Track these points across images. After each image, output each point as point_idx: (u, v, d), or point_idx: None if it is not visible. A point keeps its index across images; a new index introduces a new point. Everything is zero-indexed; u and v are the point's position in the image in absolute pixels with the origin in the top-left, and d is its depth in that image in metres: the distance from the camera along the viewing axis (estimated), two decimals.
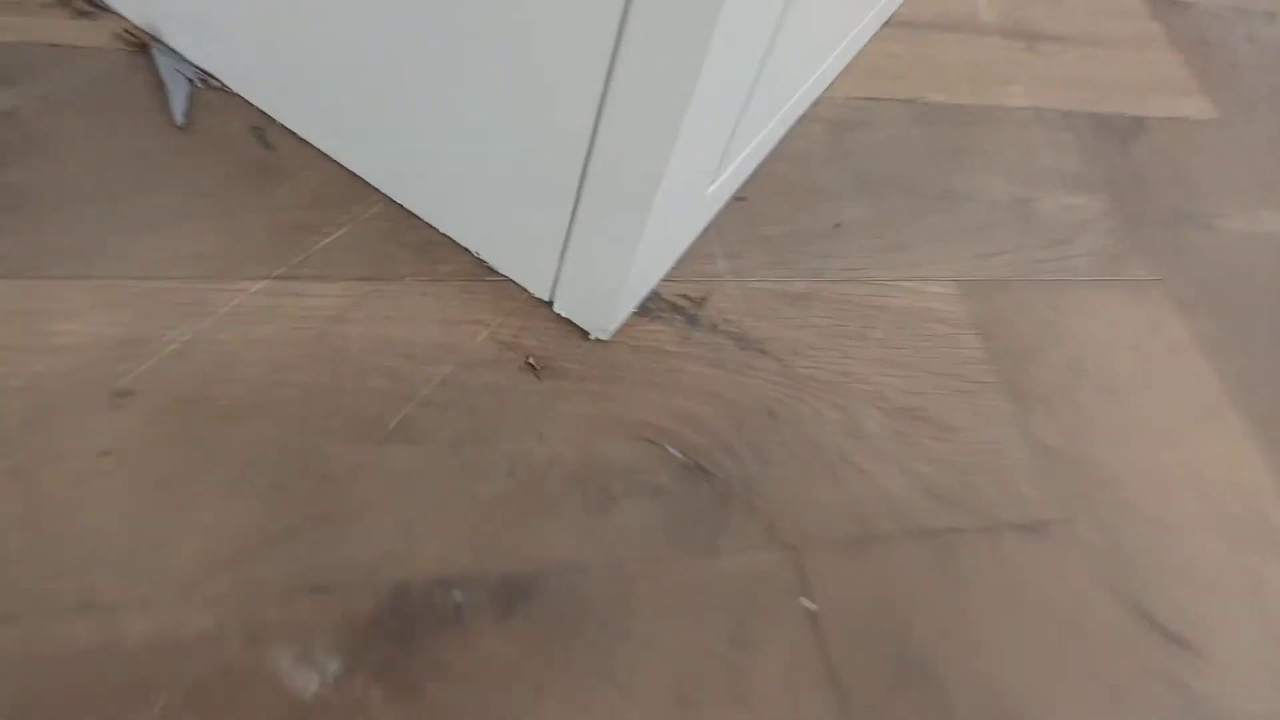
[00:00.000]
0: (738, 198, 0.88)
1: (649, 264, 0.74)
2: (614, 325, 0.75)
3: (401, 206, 0.77)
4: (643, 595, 0.65)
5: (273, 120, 0.79)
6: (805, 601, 0.68)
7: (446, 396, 0.69)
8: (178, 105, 0.78)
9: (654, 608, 0.64)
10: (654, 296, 0.79)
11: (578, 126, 0.59)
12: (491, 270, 0.77)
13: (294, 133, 0.79)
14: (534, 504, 0.66)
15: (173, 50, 0.80)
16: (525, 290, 0.76)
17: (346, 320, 0.71)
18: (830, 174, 0.94)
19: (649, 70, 0.53)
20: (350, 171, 0.78)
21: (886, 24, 1.08)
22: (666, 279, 0.80)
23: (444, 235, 0.77)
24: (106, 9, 0.82)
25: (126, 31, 0.81)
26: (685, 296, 0.80)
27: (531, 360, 0.73)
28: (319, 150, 0.79)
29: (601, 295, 0.72)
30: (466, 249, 0.77)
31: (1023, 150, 1.03)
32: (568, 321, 0.75)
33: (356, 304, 0.72)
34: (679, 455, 0.72)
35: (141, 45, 0.80)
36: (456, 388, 0.70)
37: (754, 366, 0.78)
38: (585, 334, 0.75)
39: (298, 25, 0.69)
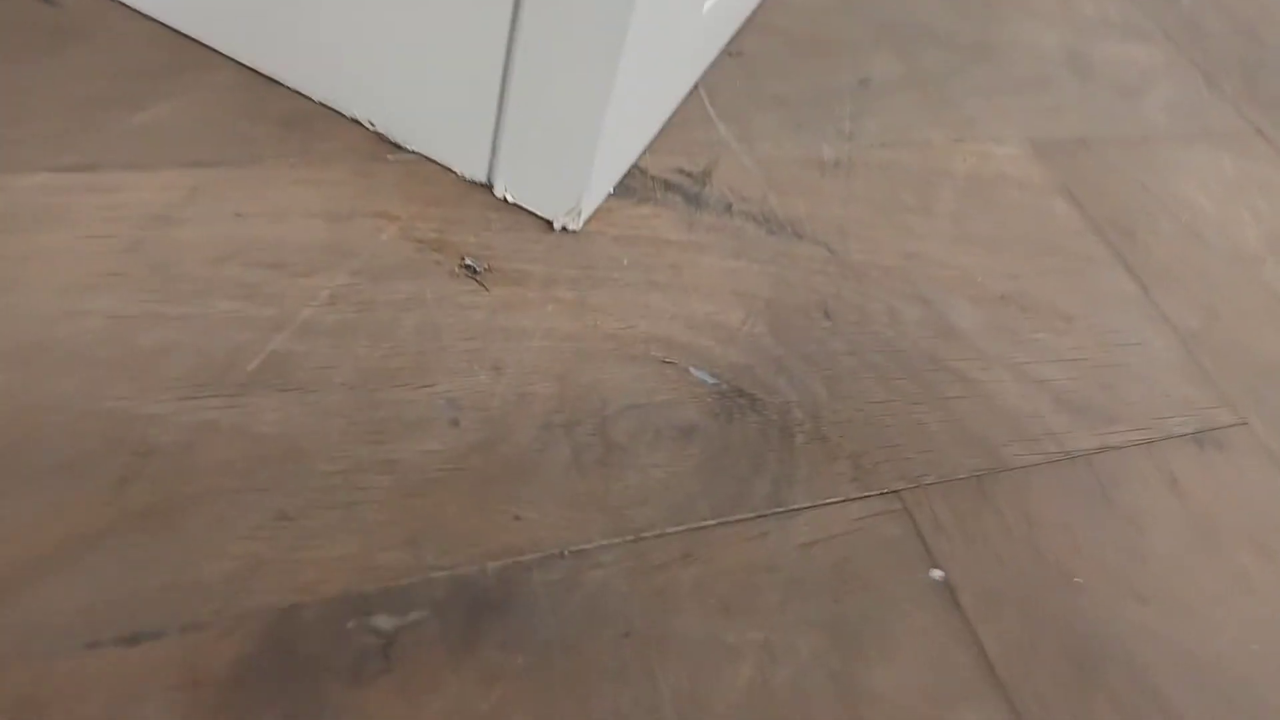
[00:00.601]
0: (730, 52, 0.65)
1: (625, 126, 0.50)
2: (586, 208, 0.51)
3: (256, 72, 0.53)
4: (680, 590, 0.40)
5: None
6: (933, 572, 0.44)
7: (339, 319, 0.45)
8: None
9: (700, 607, 0.40)
10: (636, 173, 0.56)
11: None
12: (396, 147, 0.52)
13: None
14: (496, 468, 0.42)
15: None
16: (449, 171, 0.52)
17: (175, 220, 0.46)
18: (843, 25, 0.71)
19: None
20: (179, 32, 0.54)
21: None
22: (651, 150, 0.57)
23: (321, 105, 0.53)
24: None
25: None
26: (681, 171, 0.57)
27: (469, 262, 0.48)
28: (131, 7, 0.54)
29: (564, 167, 0.49)
30: (356, 120, 0.53)
31: None
32: (517, 209, 0.51)
33: (191, 198, 0.47)
34: (709, 379, 0.48)
35: None
36: (354, 305, 0.45)
37: (791, 254, 0.54)
38: (547, 224, 0.51)
39: None
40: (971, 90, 0.70)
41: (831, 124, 0.63)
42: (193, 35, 0.54)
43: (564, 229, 0.51)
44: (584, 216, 0.51)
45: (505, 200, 0.51)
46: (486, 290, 0.48)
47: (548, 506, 0.41)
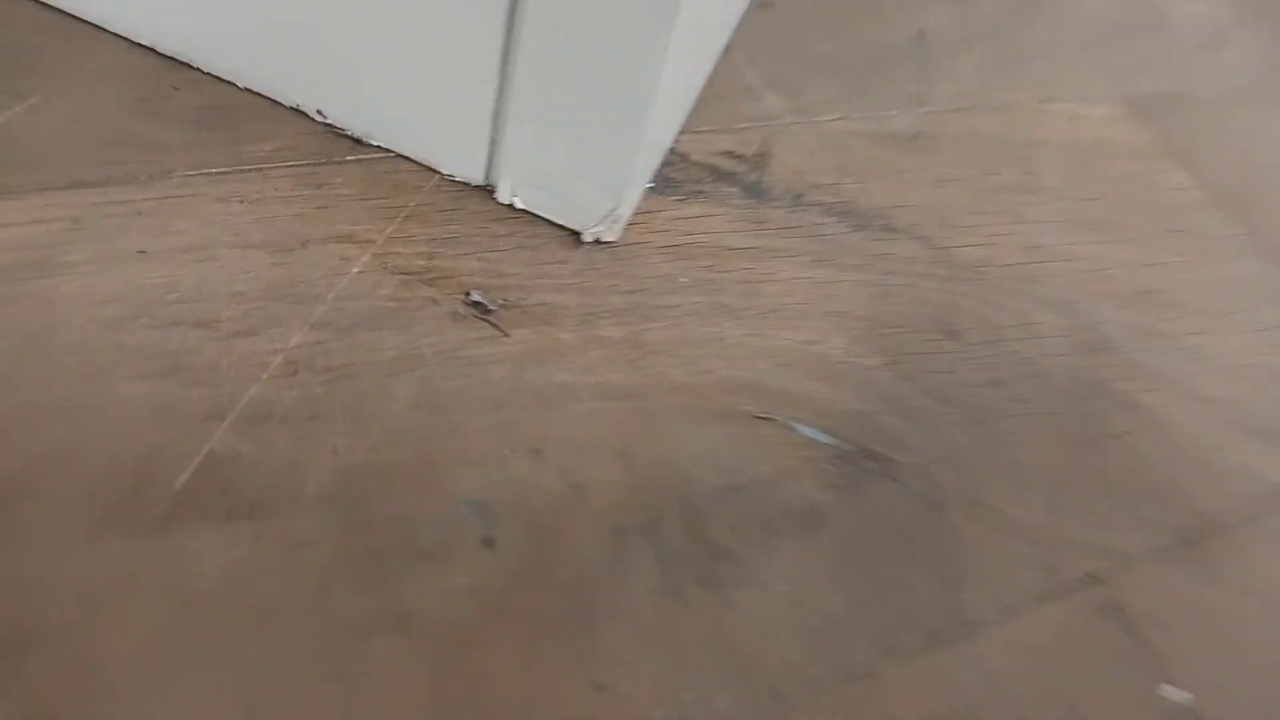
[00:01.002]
0: (762, 3, 0.53)
1: (665, 97, 0.37)
2: (622, 211, 0.38)
3: (157, 53, 0.39)
4: None
5: None
6: (1167, 690, 0.32)
7: (303, 397, 0.31)
8: None
9: None
10: (676, 159, 0.42)
11: None
12: (356, 143, 0.39)
13: None
14: (554, 606, 0.29)
15: None
16: (432, 171, 0.39)
17: (52, 267, 0.32)
18: None
19: None
20: (50, 6, 0.40)
21: None
22: (689, 129, 0.44)
23: (249, 92, 0.39)
24: None
25: None
26: (731, 154, 0.44)
27: (476, 297, 0.35)
28: None
29: (596, 155, 0.35)
30: (300, 110, 0.39)
31: None
32: (531, 219, 0.38)
33: (73, 233, 0.33)
34: (821, 437, 0.35)
35: None
36: (322, 374, 0.32)
37: (887, 255, 0.42)
38: (573, 236, 0.38)
39: None
40: (1043, 44, 0.58)
41: (897, 87, 0.50)
42: (69, 9, 0.40)
43: (597, 241, 0.38)
44: (621, 223, 0.38)
45: (513, 207, 0.38)
46: (505, 335, 0.34)
47: (639, 661, 0.28)
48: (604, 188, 0.36)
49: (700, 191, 0.41)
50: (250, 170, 0.36)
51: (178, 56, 0.39)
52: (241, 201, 0.35)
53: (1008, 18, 0.59)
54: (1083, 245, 0.46)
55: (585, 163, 0.36)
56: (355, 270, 0.34)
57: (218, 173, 0.36)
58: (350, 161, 0.38)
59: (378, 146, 0.38)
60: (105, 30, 0.39)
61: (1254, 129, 0.58)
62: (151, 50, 0.39)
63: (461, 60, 0.35)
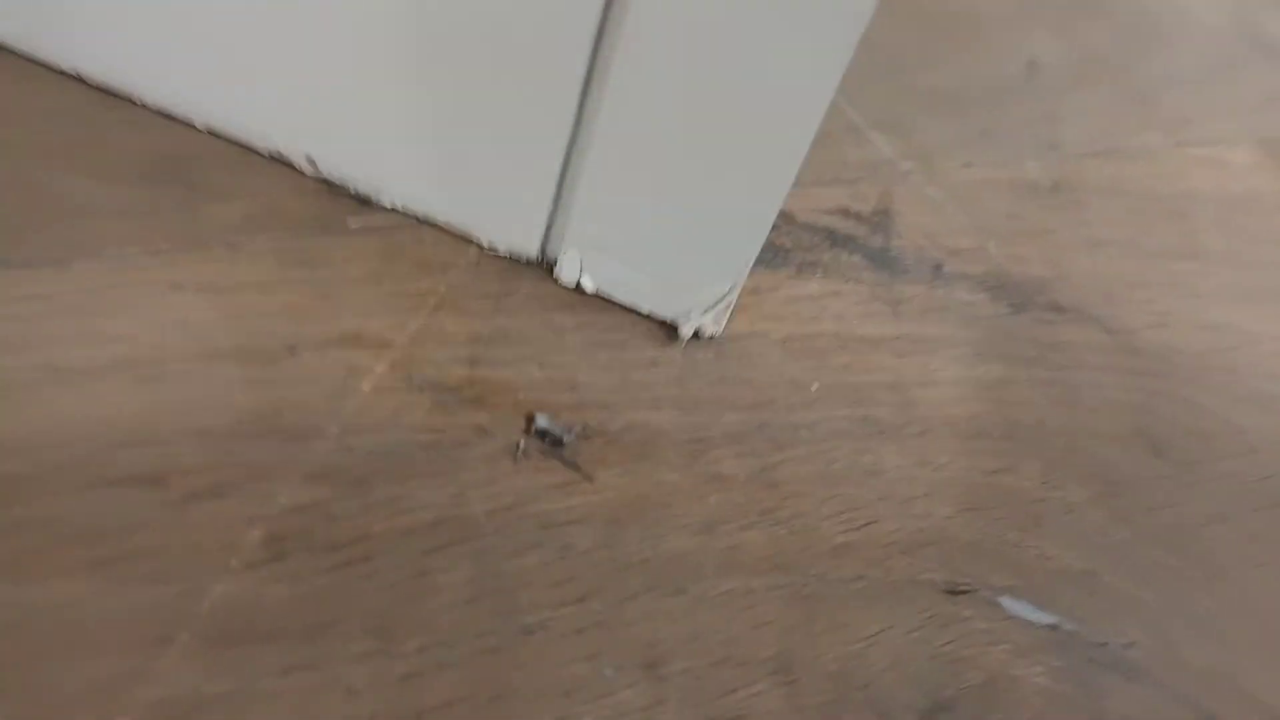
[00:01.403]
0: None
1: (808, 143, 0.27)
2: (734, 295, 0.28)
3: (93, 86, 0.28)
4: None
5: None
6: None
7: (296, 596, 0.20)
8: None
9: None
10: (781, 221, 0.32)
11: None
12: (363, 202, 0.28)
13: None
14: None
15: None
16: (470, 243, 0.28)
17: None
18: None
19: None
20: None
21: None
22: (796, 182, 0.34)
23: (216, 135, 0.28)
24: None
25: None
26: (846, 212, 0.34)
27: (544, 424, 0.25)
28: None
29: (696, 223, 0.25)
30: (281, 158, 0.29)
31: None
32: (605, 305, 0.28)
33: None
34: (1038, 615, 0.25)
35: None
36: (325, 562, 0.21)
37: (1059, 342, 0.31)
38: (664, 328, 0.28)
39: None
40: (1162, 76, 0.49)
41: (1021, 127, 0.41)
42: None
43: (696, 335, 0.28)
44: (726, 309, 0.28)
45: (581, 290, 0.28)
46: (587, 479, 0.24)
47: None
48: (712, 262, 0.26)
49: (816, 263, 0.31)
50: (215, 244, 0.26)
51: (117, 89, 0.29)
52: (202, 289, 0.25)
53: (1119, 46, 0.50)
54: (1271, 323, 0.36)
55: (687, 228, 0.26)
56: (368, 387, 0.24)
57: (169, 249, 0.25)
58: (354, 231, 0.27)
59: (391, 208, 0.28)
60: (19, 56, 0.29)
61: None
62: (82, 82, 0.28)
63: (519, 83, 0.25)
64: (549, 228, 0.27)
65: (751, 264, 0.27)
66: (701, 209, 0.26)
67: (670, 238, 0.26)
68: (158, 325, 0.24)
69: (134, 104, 0.28)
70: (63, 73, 0.29)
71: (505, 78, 0.25)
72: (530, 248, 0.28)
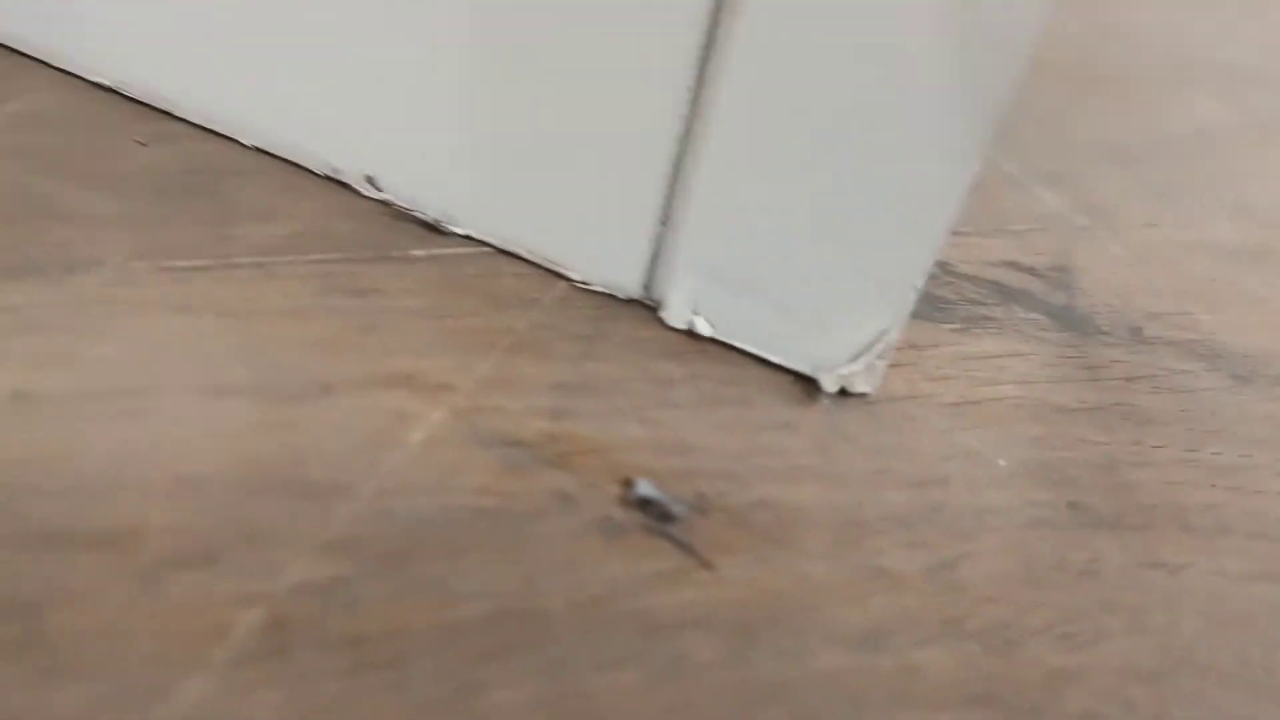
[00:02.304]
0: None
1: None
2: (891, 342, 0.22)
3: (126, 96, 0.24)
4: None
5: None
6: None
7: (301, 712, 0.15)
8: None
9: None
10: (938, 271, 0.27)
11: None
12: (430, 228, 0.24)
13: None
14: None
15: None
16: (557, 276, 0.23)
17: None
18: (1119, 56, 0.44)
19: None
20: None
21: None
22: (955, 232, 0.28)
23: (263, 153, 0.24)
24: None
25: None
26: (1018, 266, 0.27)
27: (645, 491, 0.19)
28: None
29: (842, 254, 0.20)
30: (336, 177, 0.24)
31: None
32: (725, 353, 0.22)
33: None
34: None
35: None
36: (341, 662, 0.15)
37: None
38: (802, 382, 0.22)
39: None
40: None
41: (1204, 188, 0.34)
42: (20, 47, 0.26)
43: (842, 392, 0.22)
44: (879, 365, 0.22)
45: (694, 335, 0.22)
46: (707, 567, 0.18)
47: None
48: (862, 298, 0.20)
49: (988, 318, 0.25)
50: (241, 263, 0.21)
51: (151, 101, 0.25)
52: (218, 313, 0.20)
53: (1276, 110, 0.44)
54: None
55: (828, 254, 0.20)
56: (418, 438, 0.18)
57: (185, 265, 0.21)
58: (418, 258, 0.22)
59: (463, 236, 0.23)
60: (47, 65, 0.25)
61: None
62: (114, 92, 0.25)
63: (614, 69, 0.20)
64: (654, 256, 0.22)
65: (912, 303, 0.21)
66: (847, 228, 0.20)
67: (807, 267, 0.20)
68: (154, 350, 0.19)
69: (171, 117, 0.24)
70: (98, 85, 0.25)
71: (597, 63, 0.20)
72: (631, 282, 0.22)
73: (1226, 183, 0.36)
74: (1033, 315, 0.25)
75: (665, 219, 0.21)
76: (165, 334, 0.19)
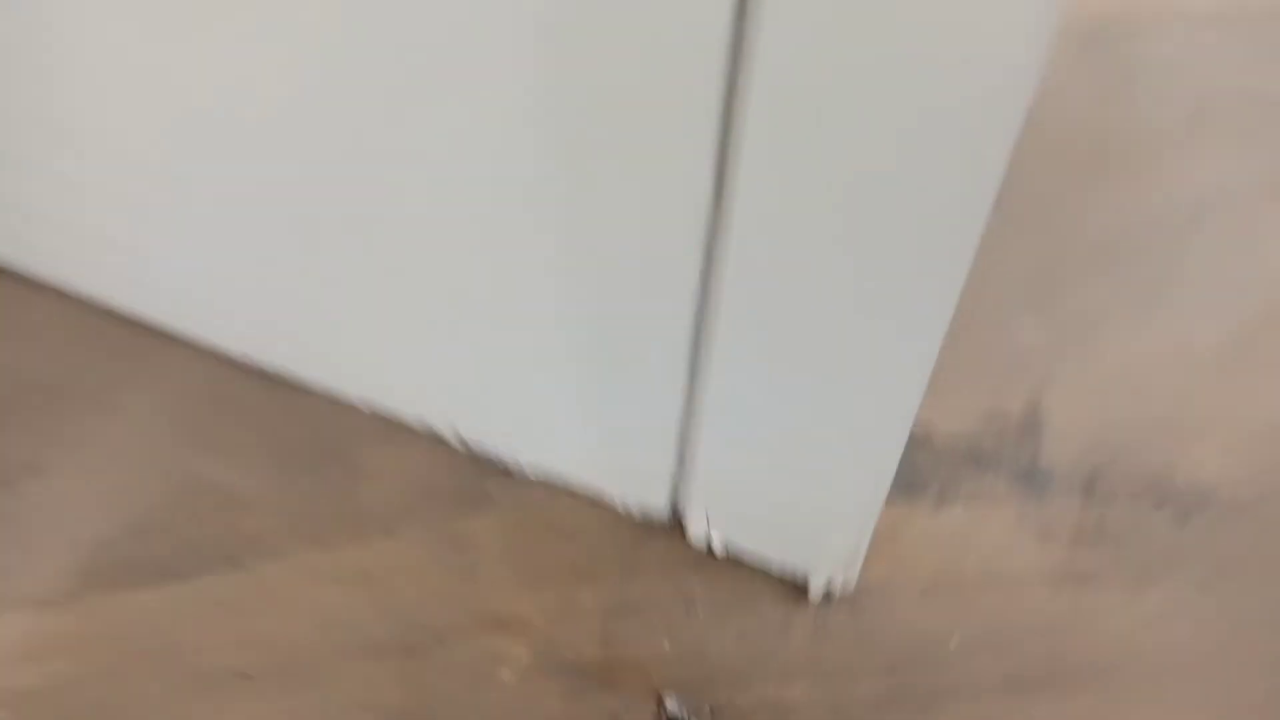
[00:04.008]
0: None
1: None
2: (857, 542, 0.27)
3: (246, 367, 0.32)
4: None
5: None
6: None
7: None
8: None
9: None
10: (920, 440, 0.32)
11: None
12: (508, 475, 0.30)
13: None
14: None
15: None
16: (603, 507, 0.30)
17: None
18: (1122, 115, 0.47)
19: None
20: (126, 317, 0.33)
21: None
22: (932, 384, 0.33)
23: (378, 413, 0.31)
24: None
25: None
26: (991, 417, 0.33)
27: (671, 708, 0.25)
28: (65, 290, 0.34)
29: (813, 479, 0.25)
30: (436, 433, 0.31)
31: None
32: (736, 564, 0.28)
33: (97, 646, 0.26)
34: None
35: None
36: None
37: (1239, 560, 0.30)
38: (789, 589, 0.28)
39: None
40: None
41: (1200, 271, 0.38)
42: (141, 315, 0.33)
43: (829, 591, 0.28)
44: (860, 561, 0.27)
45: (712, 551, 0.28)
46: None
47: None
48: (837, 511, 0.26)
49: (957, 490, 0.30)
50: (372, 531, 0.28)
51: (274, 371, 0.32)
52: (360, 579, 0.27)
53: (1258, 185, 0.46)
54: None
55: (807, 476, 0.26)
56: (508, 675, 0.25)
57: (333, 540, 0.28)
58: (497, 502, 0.29)
59: (532, 477, 0.30)
60: (178, 340, 0.33)
61: None
62: (238, 364, 0.32)
63: (634, 355, 0.26)
64: (675, 484, 0.28)
65: (879, 510, 0.26)
66: (820, 455, 0.26)
67: (791, 488, 0.26)
68: (318, 623, 0.26)
69: (295, 387, 0.32)
70: (224, 356, 0.32)
71: (621, 352, 0.26)
72: (660, 505, 0.29)
73: (1232, 253, 0.39)
74: (999, 480, 0.31)
75: (681, 449, 0.27)
76: (323, 607, 0.27)
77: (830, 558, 0.27)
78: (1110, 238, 0.40)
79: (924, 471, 0.31)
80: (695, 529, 0.28)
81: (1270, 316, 0.37)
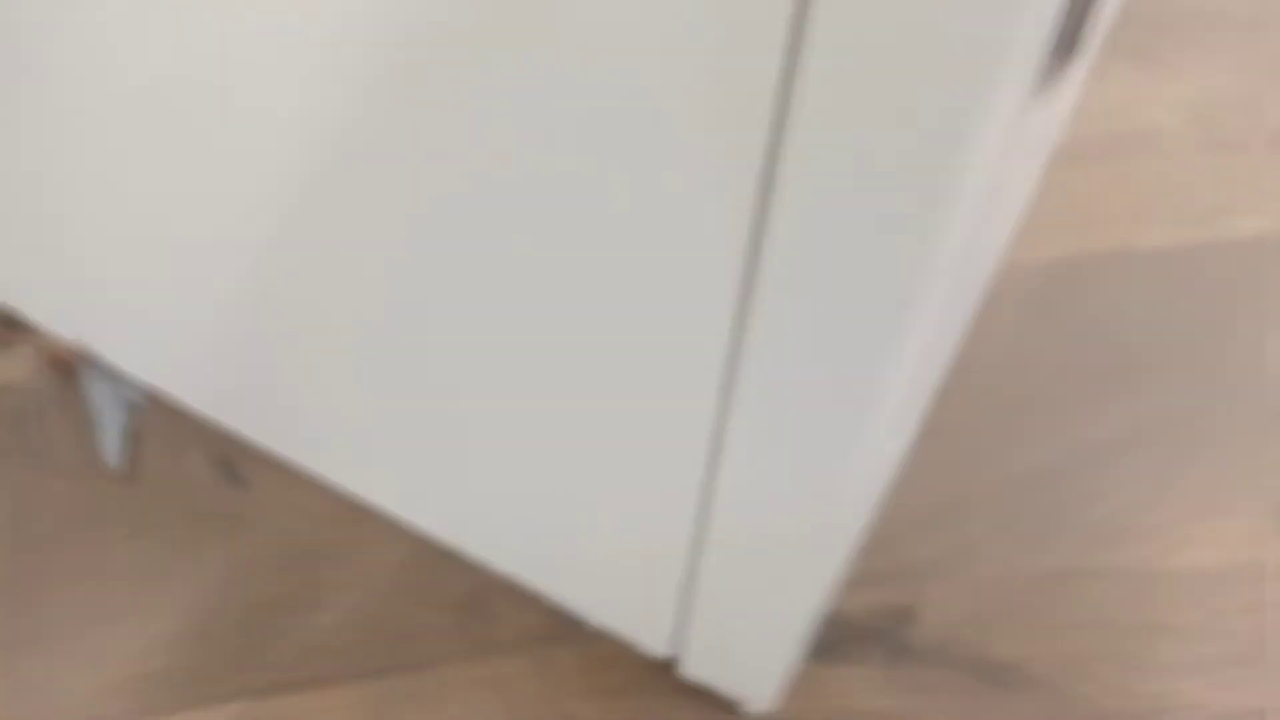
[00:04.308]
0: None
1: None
2: (774, 686, 0.46)
3: (432, 544, 0.53)
4: None
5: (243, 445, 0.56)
6: None
7: None
8: (112, 442, 0.56)
9: None
10: (833, 614, 0.51)
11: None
12: (574, 624, 0.50)
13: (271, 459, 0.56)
14: None
15: (110, 370, 0.58)
16: (628, 651, 0.49)
17: None
18: (1034, 372, 0.66)
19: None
20: (354, 502, 0.54)
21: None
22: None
23: (504, 577, 0.52)
24: (27, 328, 0.61)
25: (52, 355, 0.60)
26: (879, 605, 0.51)
27: None
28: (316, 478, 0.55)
29: (761, 630, 0.44)
30: (539, 594, 0.51)
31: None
32: (699, 697, 0.48)
33: None
34: None
35: (69, 369, 0.59)
36: None
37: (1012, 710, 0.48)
38: (728, 708, 0.47)
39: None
40: (1203, 447, 0.62)
41: (1057, 513, 0.56)
42: (372, 501, 0.54)
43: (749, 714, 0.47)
44: (774, 694, 0.46)
45: (688, 684, 0.48)
46: None
47: None
48: (760, 661, 0.45)
49: (848, 653, 0.49)
50: (495, 655, 0.48)
51: (449, 544, 0.52)
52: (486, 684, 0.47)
53: (1173, 417, 0.63)
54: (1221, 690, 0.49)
55: (748, 637, 0.45)
56: None
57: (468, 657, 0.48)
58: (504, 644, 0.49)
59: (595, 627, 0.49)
60: (391, 519, 0.53)
61: None
62: (426, 540, 0.52)
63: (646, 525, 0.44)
64: (674, 630, 0.47)
65: (785, 659, 0.45)
66: (750, 637, 0.44)
67: (736, 653, 0.45)
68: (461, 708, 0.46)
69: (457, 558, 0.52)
70: (416, 534, 0.53)
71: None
72: (660, 647, 0.48)
73: (1091, 497, 0.56)
74: (875, 649, 0.49)
75: (682, 609, 0.46)
76: (474, 699, 0.46)
77: (757, 691, 0.46)
78: (1025, 473, 0.58)
79: (831, 637, 0.49)
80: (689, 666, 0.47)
81: (1091, 557, 0.55)
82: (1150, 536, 0.56)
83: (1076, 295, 0.68)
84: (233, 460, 0.55)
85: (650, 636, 0.48)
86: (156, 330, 0.54)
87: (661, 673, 0.48)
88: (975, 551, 0.54)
